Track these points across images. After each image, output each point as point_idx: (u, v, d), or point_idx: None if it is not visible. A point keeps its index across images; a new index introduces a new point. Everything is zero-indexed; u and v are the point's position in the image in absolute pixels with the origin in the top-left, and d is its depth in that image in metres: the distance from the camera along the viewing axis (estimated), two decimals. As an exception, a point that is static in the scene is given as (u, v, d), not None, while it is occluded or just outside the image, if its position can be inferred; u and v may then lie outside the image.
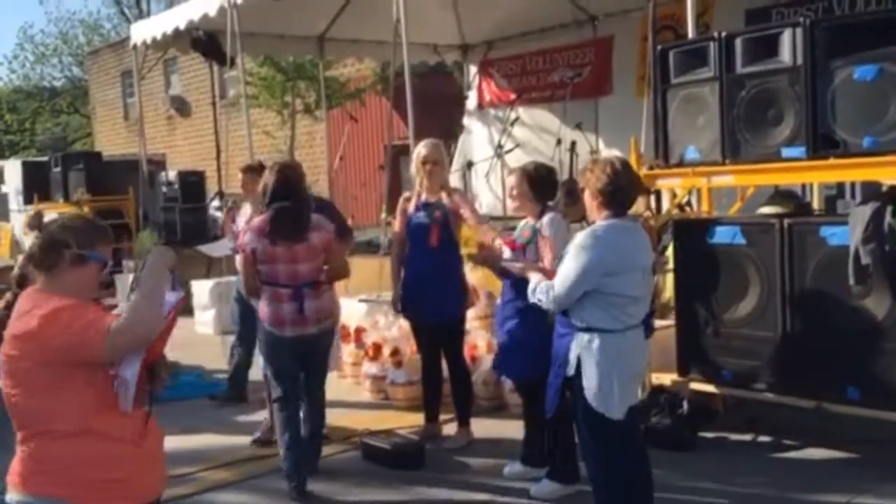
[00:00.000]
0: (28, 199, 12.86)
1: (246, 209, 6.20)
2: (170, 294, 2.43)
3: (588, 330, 3.44)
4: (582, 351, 3.44)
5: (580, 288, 3.40)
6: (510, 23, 10.82)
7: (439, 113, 12.49)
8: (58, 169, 12.28)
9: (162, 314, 2.36)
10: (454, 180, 10.04)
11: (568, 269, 3.43)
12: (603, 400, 3.41)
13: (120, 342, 2.31)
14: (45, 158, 14.23)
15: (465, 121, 12.18)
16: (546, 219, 4.26)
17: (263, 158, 6.71)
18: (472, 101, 12.11)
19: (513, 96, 10.88)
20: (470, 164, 10.79)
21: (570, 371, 3.48)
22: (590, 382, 3.42)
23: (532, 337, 4.13)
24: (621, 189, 3.47)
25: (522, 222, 4.43)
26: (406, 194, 5.23)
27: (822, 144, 4.32)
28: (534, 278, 3.65)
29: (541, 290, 3.54)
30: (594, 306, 3.42)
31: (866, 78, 4.13)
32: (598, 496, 3.59)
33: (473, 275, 5.87)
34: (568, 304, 3.46)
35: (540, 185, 4.33)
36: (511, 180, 4.41)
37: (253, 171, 6.14)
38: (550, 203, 4.42)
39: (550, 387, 3.65)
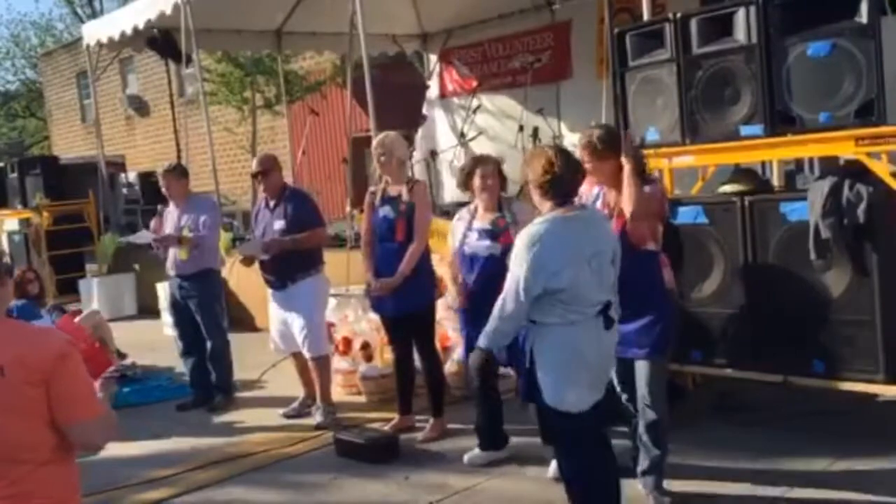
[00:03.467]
0: (-14, 206, 12.62)
1: (172, 211, 6.22)
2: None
3: (538, 323, 3.37)
4: (533, 344, 3.39)
5: (531, 292, 3.28)
6: (469, 10, 10.79)
7: (403, 103, 12.43)
8: (14, 174, 12.05)
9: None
10: (418, 170, 10.03)
11: (514, 277, 3.32)
12: (554, 392, 3.36)
13: (85, 433, 2.35)
14: (0, 164, 13.98)
15: (427, 110, 12.14)
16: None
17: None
18: (433, 91, 12.07)
19: (474, 84, 10.87)
20: (433, 154, 10.77)
21: (526, 363, 3.43)
22: (542, 374, 3.38)
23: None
24: (559, 179, 3.38)
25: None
26: (372, 188, 5.24)
27: (780, 122, 4.36)
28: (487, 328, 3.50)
29: (493, 318, 3.38)
30: (540, 303, 3.33)
31: (820, 54, 4.17)
32: (566, 485, 3.61)
33: (441, 265, 5.86)
34: (523, 311, 3.33)
35: None
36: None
37: (173, 171, 6.19)
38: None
39: (520, 378, 3.62)
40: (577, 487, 3.55)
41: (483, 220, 4.61)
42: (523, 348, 3.47)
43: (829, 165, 4.82)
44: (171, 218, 6.22)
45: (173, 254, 6.16)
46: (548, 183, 3.39)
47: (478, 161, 4.76)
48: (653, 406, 3.89)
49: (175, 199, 6.21)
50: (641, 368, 3.88)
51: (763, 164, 6.08)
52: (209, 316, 6.13)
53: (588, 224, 3.45)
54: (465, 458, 4.65)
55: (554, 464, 4.28)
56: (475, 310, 4.27)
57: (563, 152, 3.51)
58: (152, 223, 6.35)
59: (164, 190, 6.26)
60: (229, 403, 6.19)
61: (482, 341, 3.42)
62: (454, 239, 4.70)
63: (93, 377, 2.42)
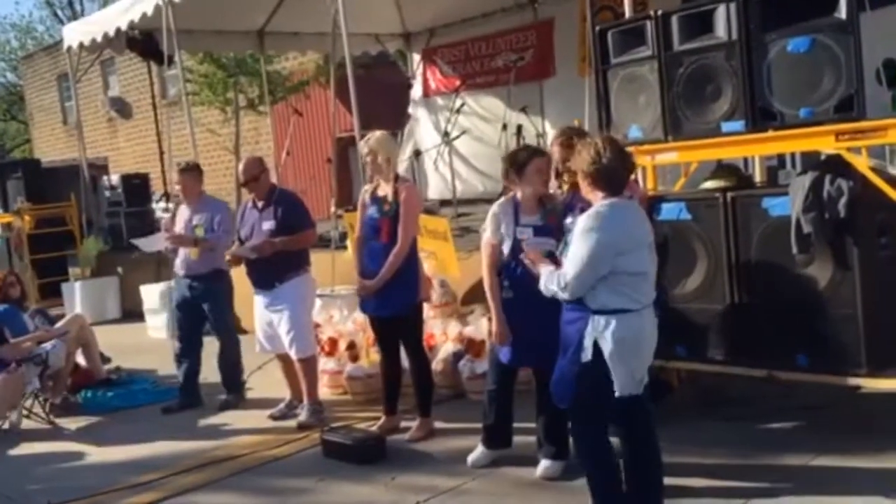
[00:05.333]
0: (-34, 211, 12.50)
1: (183, 211, 6.16)
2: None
3: (603, 312, 3.35)
4: (598, 335, 3.35)
5: (594, 272, 3.30)
6: (451, 9, 10.80)
7: (388, 102, 12.42)
8: (-6, 179, 11.95)
9: None
10: (401, 170, 10.02)
11: (578, 254, 3.32)
12: (624, 382, 3.37)
13: None
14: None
15: (411, 110, 12.13)
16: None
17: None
18: (417, 90, 12.07)
19: (457, 83, 10.88)
20: (418, 153, 10.77)
21: (587, 357, 3.38)
22: (613, 364, 3.34)
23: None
24: (610, 169, 3.39)
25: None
26: (365, 187, 5.24)
27: (761, 117, 4.38)
28: (545, 270, 3.55)
29: (551, 281, 3.44)
30: (607, 288, 3.33)
31: (800, 50, 4.19)
32: (590, 481, 3.64)
33: (427, 264, 5.86)
34: (582, 292, 3.35)
35: None
36: None
37: (191, 171, 6.15)
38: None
39: (563, 376, 3.53)
40: (602, 471, 3.59)
41: (533, 216, 4.25)
42: (582, 343, 3.39)
43: (811, 160, 4.85)
44: (183, 217, 6.15)
45: (184, 253, 6.09)
46: (597, 173, 3.39)
47: (536, 152, 4.41)
48: None
49: (189, 198, 6.14)
50: None
51: (745, 159, 6.11)
52: (220, 316, 6.10)
53: (640, 213, 3.53)
54: (469, 459, 4.53)
55: (542, 464, 4.29)
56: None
57: (613, 142, 3.49)
58: (164, 223, 6.30)
59: (177, 189, 6.21)
60: (240, 402, 6.16)
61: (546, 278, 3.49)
62: (500, 231, 4.26)
63: None
